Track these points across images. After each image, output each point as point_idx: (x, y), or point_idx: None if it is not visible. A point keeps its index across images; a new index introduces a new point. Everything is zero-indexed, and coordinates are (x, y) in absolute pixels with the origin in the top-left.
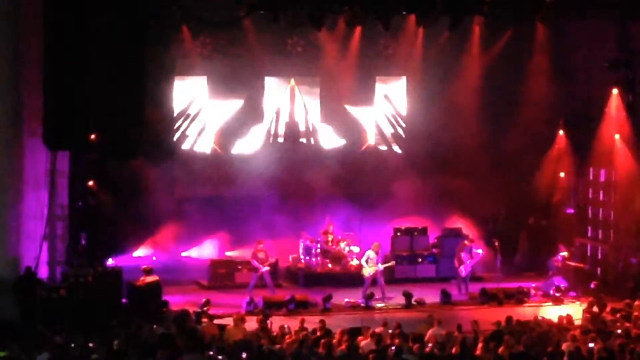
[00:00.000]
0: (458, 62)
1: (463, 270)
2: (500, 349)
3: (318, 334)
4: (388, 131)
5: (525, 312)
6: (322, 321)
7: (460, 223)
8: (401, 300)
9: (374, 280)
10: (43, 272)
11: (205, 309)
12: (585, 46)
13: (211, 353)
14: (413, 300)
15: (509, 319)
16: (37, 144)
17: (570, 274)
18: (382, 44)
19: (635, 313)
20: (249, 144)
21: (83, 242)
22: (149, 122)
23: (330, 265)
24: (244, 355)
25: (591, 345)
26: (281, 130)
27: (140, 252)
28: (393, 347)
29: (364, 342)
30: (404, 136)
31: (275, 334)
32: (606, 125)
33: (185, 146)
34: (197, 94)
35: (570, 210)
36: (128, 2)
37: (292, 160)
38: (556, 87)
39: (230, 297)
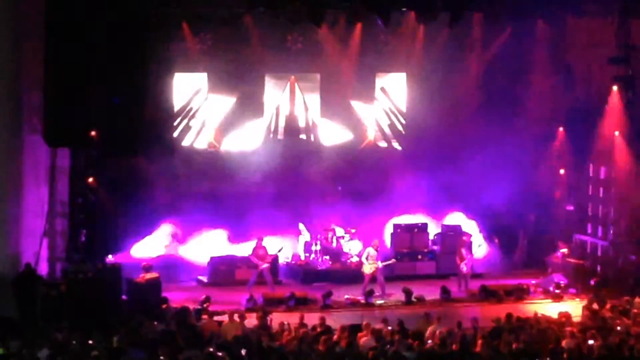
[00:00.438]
0: (458, 59)
1: (464, 267)
2: (500, 346)
3: (318, 330)
4: (388, 128)
5: (525, 309)
6: (322, 318)
7: (460, 220)
8: (401, 297)
9: (373, 277)
10: (43, 269)
11: (205, 305)
12: (584, 43)
13: (211, 349)
14: (413, 297)
15: (508, 316)
16: (38, 140)
17: (569, 270)
18: (382, 41)
19: (635, 310)
20: (249, 141)
21: (83, 238)
22: (149, 119)
23: (330, 262)
24: (243, 351)
25: (591, 342)
26: (281, 127)
27: (140, 248)
28: (393, 344)
29: (364, 339)
30: (404, 132)
31: (275, 330)
32: (606, 122)
33: (185, 142)
34: (197, 91)
35: (570, 207)
36: None
37: (292, 157)
38: (556, 83)
39: (230, 293)
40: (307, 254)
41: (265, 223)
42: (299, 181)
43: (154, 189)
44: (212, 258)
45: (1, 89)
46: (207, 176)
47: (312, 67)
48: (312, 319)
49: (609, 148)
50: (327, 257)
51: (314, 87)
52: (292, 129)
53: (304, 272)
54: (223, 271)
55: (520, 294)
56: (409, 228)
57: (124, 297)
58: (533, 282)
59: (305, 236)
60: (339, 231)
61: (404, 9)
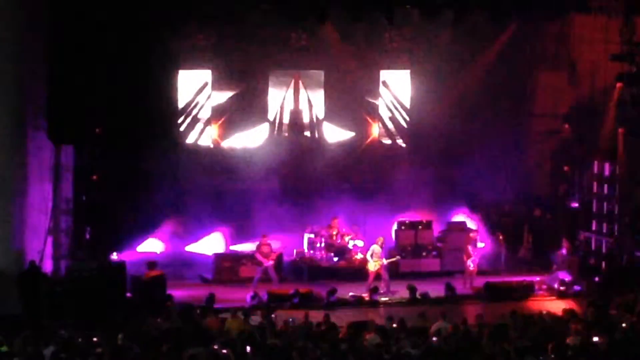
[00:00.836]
0: (462, 56)
1: (472, 264)
2: (505, 343)
3: (322, 327)
4: (392, 125)
5: (529, 306)
6: (326, 315)
7: (464, 217)
8: (405, 294)
9: (378, 275)
10: (47, 266)
11: (209, 303)
12: (589, 39)
13: (215, 347)
14: (417, 294)
15: (513, 313)
16: (42, 138)
17: (574, 267)
18: (387, 38)
19: (638, 307)
20: (253, 138)
21: (87, 236)
22: (154, 116)
23: (334, 260)
24: (248, 349)
25: (595, 339)
26: (285, 124)
27: (145, 246)
28: (397, 341)
29: (369, 336)
30: (408, 130)
31: (279, 328)
32: (610, 119)
33: (189, 140)
34: (202, 87)
35: (575, 204)
36: None
37: (296, 154)
38: (560, 80)
39: (234, 291)
40: (312, 251)
41: (270, 220)
42: (303, 178)
43: (158, 186)
44: (216, 255)
45: (5, 87)
46: (212, 173)
47: (316, 64)
48: (316, 316)
49: (614, 145)
50: (332, 255)
51: (318, 84)
52: (296, 126)
53: (308, 270)
54: (227, 268)
55: (525, 291)
56: (414, 225)
57: (128, 294)
58: (538, 279)
59: (311, 234)
60: (344, 228)
61: (408, 7)
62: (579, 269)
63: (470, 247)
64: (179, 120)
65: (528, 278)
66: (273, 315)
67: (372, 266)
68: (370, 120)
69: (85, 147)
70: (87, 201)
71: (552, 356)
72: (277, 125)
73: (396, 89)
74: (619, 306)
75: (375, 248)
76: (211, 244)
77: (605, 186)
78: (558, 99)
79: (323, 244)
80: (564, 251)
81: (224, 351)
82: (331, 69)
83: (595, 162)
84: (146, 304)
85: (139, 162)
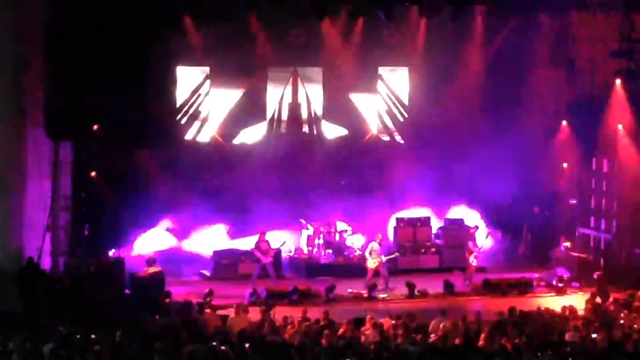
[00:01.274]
0: (461, 52)
1: (475, 261)
2: (504, 340)
3: (321, 324)
4: (390, 121)
5: (528, 302)
6: (325, 312)
7: (463, 213)
8: (404, 290)
9: (376, 271)
10: (46, 263)
11: (208, 299)
12: (588, 36)
13: (214, 344)
14: (416, 290)
15: (512, 310)
16: (40, 134)
17: (573, 264)
18: (385, 35)
19: (637, 303)
20: (252, 134)
21: (86, 232)
22: (152, 113)
23: (333, 256)
24: (247, 345)
25: (594, 335)
26: (284, 121)
27: (143, 242)
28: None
29: (367, 333)
30: (406, 126)
31: (278, 324)
32: (609, 116)
33: (188, 136)
34: (200, 84)
35: (574, 201)
36: None
37: (295, 150)
38: (559, 77)
39: (233, 287)
40: (310, 248)
41: (268, 217)
42: (301, 175)
43: (157, 183)
44: (215, 252)
45: (4, 83)
46: (210, 170)
47: (314, 61)
48: (315, 312)
49: (613, 141)
50: (330, 251)
51: (317, 80)
52: (294, 122)
53: (307, 266)
54: (226, 265)
55: (523, 287)
56: (412, 222)
57: (127, 291)
58: (536, 275)
59: (309, 230)
60: (342, 225)
61: (407, 3)
62: (577, 266)
63: (470, 244)
64: (178, 117)
65: (527, 274)
66: (272, 312)
67: (371, 263)
68: (368, 117)
69: (83, 144)
70: (86, 198)
71: (551, 353)
72: (275, 121)
73: (394, 86)
74: (617, 303)
75: (374, 245)
76: (210, 240)
77: (604, 182)
78: (557, 95)
79: (322, 241)
80: (562, 248)
81: (223, 348)
82: (329, 65)
83: (594, 159)
84: (145, 301)
85: (137, 159)
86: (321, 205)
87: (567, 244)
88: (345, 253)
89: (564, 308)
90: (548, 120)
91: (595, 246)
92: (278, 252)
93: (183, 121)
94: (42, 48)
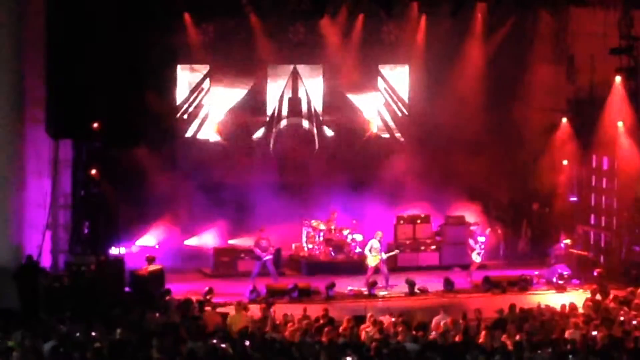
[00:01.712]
0: (461, 49)
1: (478, 258)
2: (503, 337)
3: (321, 322)
4: (390, 119)
5: (528, 299)
6: (325, 309)
7: (463, 211)
8: (404, 288)
9: (376, 269)
10: (46, 261)
11: (208, 297)
12: (588, 33)
13: (214, 341)
14: (416, 288)
15: (512, 307)
16: (40, 132)
17: (573, 261)
18: (385, 32)
19: (637, 301)
20: (252, 132)
21: (86, 230)
22: (152, 110)
23: (333, 254)
24: (247, 343)
25: (594, 332)
26: (283, 118)
27: (143, 240)
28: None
29: (367, 330)
30: (406, 124)
31: (278, 322)
32: (609, 113)
33: (188, 134)
34: (200, 82)
35: (573, 198)
36: None
37: (295, 148)
38: (559, 74)
39: (233, 285)
40: (310, 245)
41: (268, 214)
42: (301, 172)
43: (157, 181)
44: (215, 249)
45: (4, 81)
46: (210, 167)
47: (314, 59)
48: (315, 310)
49: (612, 138)
50: (330, 249)
51: (317, 78)
52: (294, 120)
53: (307, 264)
54: (226, 262)
55: (523, 284)
56: (412, 219)
57: (127, 288)
58: (536, 272)
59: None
60: (342, 222)
61: (406, 0)
62: (577, 263)
63: (471, 241)
64: (178, 115)
65: (526, 272)
66: (272, 310)
67: (371, 260)
68: (368, 115)
69: (83, 142)
70: (86, 196)
71: (550, 350)
72: (275, 119)
73: (394, 83)
74: (617, 300)
75: (374, 243)
76: (210, 237)
77: (604, 180)
78: (556, 92)
79: (322, 238)
80: (562, 245)
81: (223, 346)
82: (329, 63)
83: (594, 156)
84: (145, 298)
85: (137, 157)
86: (321, 203)
87: (567, 241)
88: (345, 250)
89: (563, 305)
90: (548, 117)
91: (595, 243)
92: (278, 250)
93: (183, 119)
94: (43, 46)
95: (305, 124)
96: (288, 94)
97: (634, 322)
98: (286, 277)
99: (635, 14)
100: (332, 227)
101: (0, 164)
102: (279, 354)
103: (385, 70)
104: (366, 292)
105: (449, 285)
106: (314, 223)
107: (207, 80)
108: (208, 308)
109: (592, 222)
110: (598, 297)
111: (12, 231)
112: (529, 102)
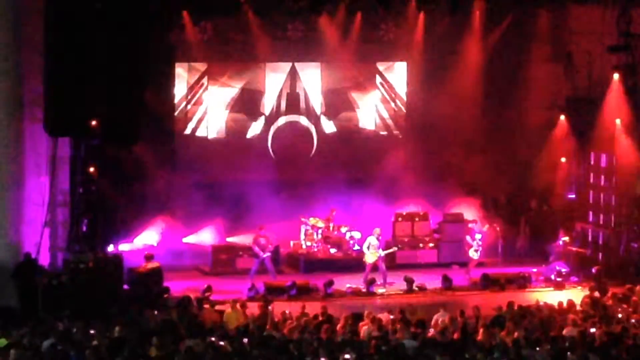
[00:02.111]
0: (459, 47)
1: (476, 255)
2: (502, 334)
3: (320, 319)
4: (388, 116)
5: (526, 297)
6: (323, 307)
7: (461, 208)
8: (402, 285)
9: (375, 266)
10: (44, 259)
11: (206, 295)
12: (586, 31)
13: (213, 339)
14: (414, 285)
15: (510, 304)
16: (38, 129)
17: (571, 258)
18: (383, 29)
19: (635, 298)
20: (250, 129)
21: (84, 228)
22: (150, 108)
23: (331, 251)
24: (245, 340)
25: (592, 330)
26: (282, 115)
27: (142, 238)
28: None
29: (366, 328)
30: (404, 121)
31: (276, 319)
32: (607, 110)
33: (186, 131)
34: (198, 79)
35: (572, 195)
36: None
37: (293, 145)
38: (557, 71)
39: (231, 283)
40: (309, 243)
41: (267, 211)
42: (299, 169)
43: (155, 178)
44: (213, 247)
45: (2, 79)
46: (208, 164)
47: (312, 56)
48: (313, 307)
49: (610, 136)
50: (329, 246)
51: (315, 75)
52: (292, 117)
53: (305, 261)
54: (224, 260)
55: (521, 282)
56: (410, 216)
57: (125, 286)
58: (535, 270)
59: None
60: (340, 220)
61: None
62: (575, 260)
63: (468, 238)
64: (176, 113)
65: (525, 269)
66: (270, 307)
67: (369, 258)
68: (366, 112)
69: (82, 139)
70: (84, 193)
71: (549, 347)
72: (273, 116)
73: (393, 80)
74: (616, 297)
75: (372, 240)
76: (208, 235)
77: (602, 177)
78: (554, 90)
79: (320, 236)
80: (560, 242)
81: (221, 343)
82: (327, 60)
83: (592, 153)
84: (143, 296)
85: (135, 154)
86: (319, 200)
87: (566, 238)
88: (344, 248)
89: (562, 302)
90: (546, 114)
91: (593, 241)
92: (276, 247)
93: (182, 116)
94: (41, 44)
95: (304, 121)
96: (286, 91)
97: (632, 319)
98: (284, 275)
99: (633, 11)
100: (331, 225)
101: None
102: (278, 351)
103: (383, 67)
104: (364, 290)
105: (447, 282)
106: (312, 220)
107: (206, 78)
108: (206, 306)
109: (591, 219)
110: (596, 294)
111: (10, 229)
112: (527, 100)
